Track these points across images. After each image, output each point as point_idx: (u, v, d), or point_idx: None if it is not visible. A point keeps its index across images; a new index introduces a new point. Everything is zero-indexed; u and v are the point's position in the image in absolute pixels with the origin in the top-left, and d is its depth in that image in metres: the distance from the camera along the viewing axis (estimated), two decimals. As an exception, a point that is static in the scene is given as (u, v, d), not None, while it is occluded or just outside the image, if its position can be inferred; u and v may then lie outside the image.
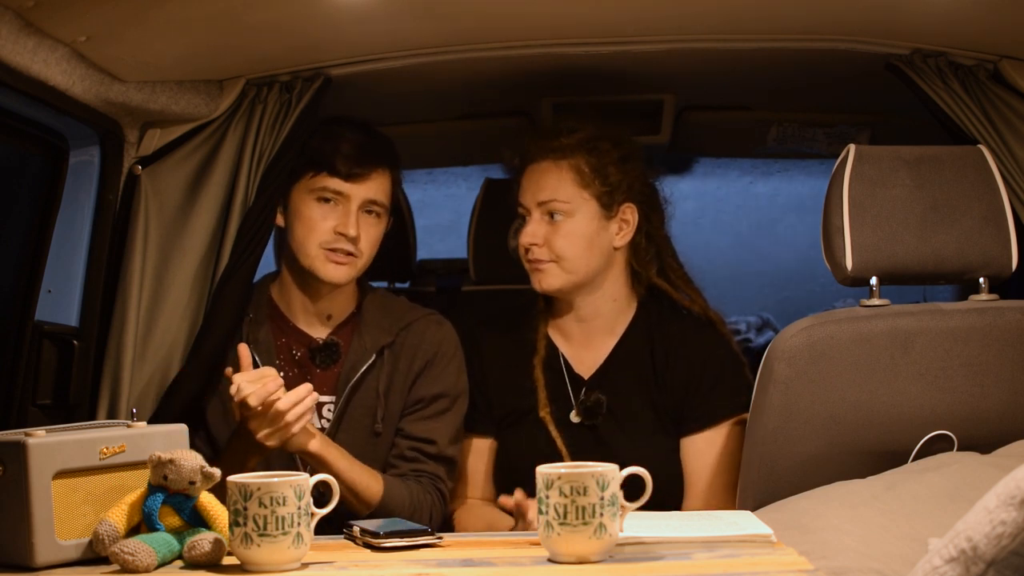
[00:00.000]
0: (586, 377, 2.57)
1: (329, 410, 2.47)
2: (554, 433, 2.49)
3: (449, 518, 2.56)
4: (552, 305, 2.61)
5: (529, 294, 2.60)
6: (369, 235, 2.45)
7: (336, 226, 2.41)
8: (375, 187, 2.44)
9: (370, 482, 2.36)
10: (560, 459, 2.43)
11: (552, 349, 2.59)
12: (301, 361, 2.49)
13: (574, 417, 2.53)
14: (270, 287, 2.56)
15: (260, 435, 2.22)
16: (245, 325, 2.49)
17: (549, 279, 2.50)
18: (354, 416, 2.46)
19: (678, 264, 2.63)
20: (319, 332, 2.51)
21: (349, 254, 2.42)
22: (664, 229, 2.61)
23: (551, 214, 2.48)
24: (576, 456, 2.41)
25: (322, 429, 2.39)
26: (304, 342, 2.50)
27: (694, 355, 2.52)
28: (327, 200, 2.42)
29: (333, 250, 2.41)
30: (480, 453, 2.60)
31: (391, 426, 2.47)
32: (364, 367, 2.45)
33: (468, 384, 2.54)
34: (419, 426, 2.47)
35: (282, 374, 2.44)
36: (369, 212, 2.45)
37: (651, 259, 2.59)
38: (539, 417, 2.51)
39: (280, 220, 2.49)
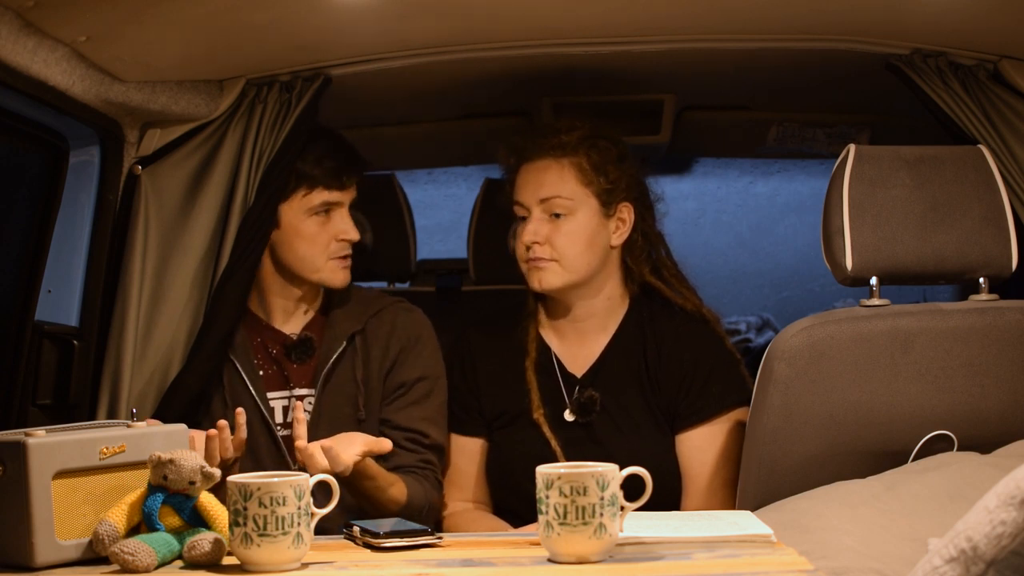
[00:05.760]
0: (579, 375, 2.56)
1: (310, 403, 2.48)
2: (548, 434, 2.49)
3: (444, 522, 2.55)
4: (545, 305, 2.60)
5: (524, 294, 2.60)
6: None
7: (337, 233, 2.47)
8: (356, 188, 2.52)
9: (397, 482, 2.39)
10: (555, 460, 2.43)
11: (544, 349, 2.58)
12: (277, 358, 2.51)
13: (568, 416, 2.52)
14: None
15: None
16: None
17: (549, 278, 2.49)
18: (335, 405, 2.47)
19: (672, 262, 2.63)
20: (293, 328, 2.53)
21: (348, 256, 2.50)
22: (657, 226, 2.61)
23: (552, 212, 2.48)
24: (571, 456, 2.40)
25: None
26: (279, 339, 2.52)
27: (686, 351, 2.52)
28: (321, 212, 2.46)
29: (339, 257, 2.48)
30: (471, 456, 2.59)
31: (374, 412, 2.49)
32: (335, 356, 2.48)
33: (447, 372, 2.56)
34: (405, 415, 2.48)
35: (261, 373, 2.45)
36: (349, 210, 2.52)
37: (645, 257, 2.58)
38: (533, 419, 2.51)
39: None
